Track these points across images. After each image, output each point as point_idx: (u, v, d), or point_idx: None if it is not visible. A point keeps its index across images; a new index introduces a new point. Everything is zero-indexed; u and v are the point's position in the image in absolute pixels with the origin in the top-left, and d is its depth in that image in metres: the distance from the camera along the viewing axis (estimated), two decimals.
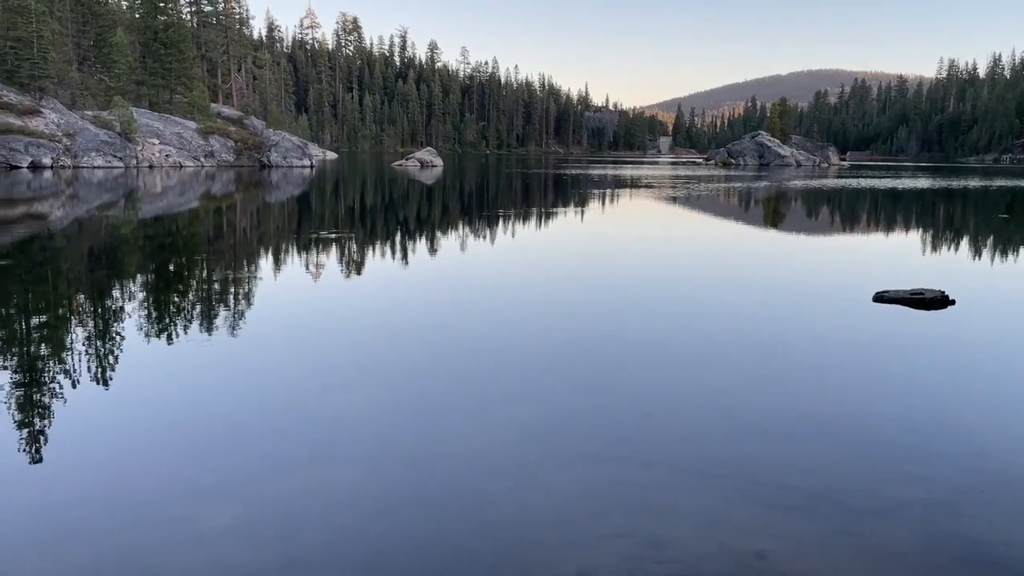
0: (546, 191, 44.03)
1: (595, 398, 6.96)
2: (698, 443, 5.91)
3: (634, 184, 50.86)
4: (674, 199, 37.43)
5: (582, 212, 29.82)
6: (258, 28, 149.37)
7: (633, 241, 20.62)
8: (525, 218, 25.95)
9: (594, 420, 6.37)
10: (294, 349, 8.54)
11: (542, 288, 13.09)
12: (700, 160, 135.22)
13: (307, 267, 14.87)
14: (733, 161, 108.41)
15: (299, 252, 17.03)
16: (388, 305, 11.36)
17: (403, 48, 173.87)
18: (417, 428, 6.11)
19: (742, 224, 27.08)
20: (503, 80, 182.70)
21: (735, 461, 5.55)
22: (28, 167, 43.99)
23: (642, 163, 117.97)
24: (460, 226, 23.55)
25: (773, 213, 31.99)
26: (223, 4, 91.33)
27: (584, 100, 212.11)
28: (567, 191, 43.87)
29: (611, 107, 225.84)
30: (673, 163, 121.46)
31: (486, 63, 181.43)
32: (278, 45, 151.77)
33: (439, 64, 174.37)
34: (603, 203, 34.81)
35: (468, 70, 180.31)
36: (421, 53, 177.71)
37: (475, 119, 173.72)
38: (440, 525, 4.53)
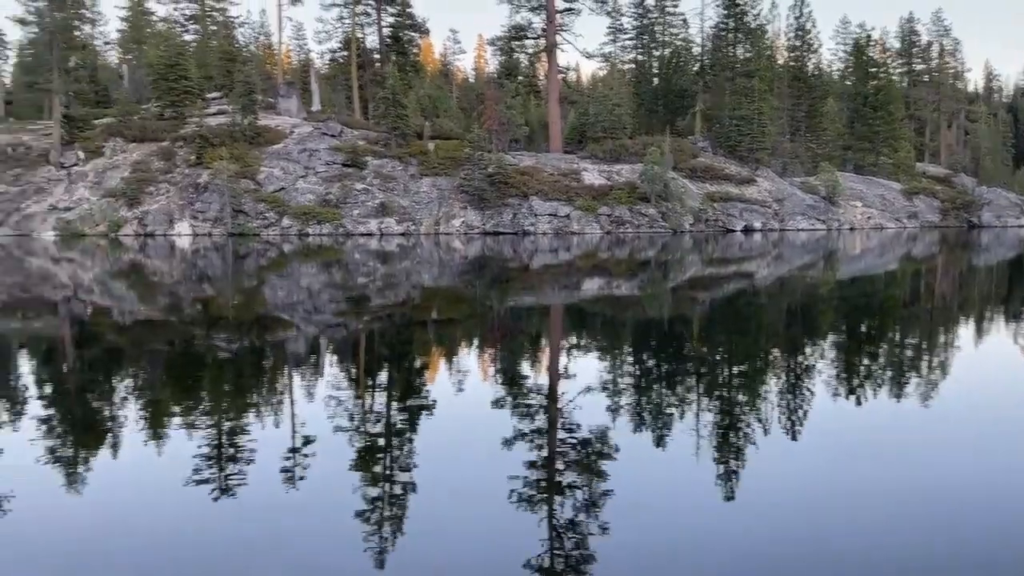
0: None
1: None
2: None
3: None
4: None
5: None
6: (974, 80, 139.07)
7: None
8: None
9: None
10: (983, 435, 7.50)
11: None
12: None
13: (1016, 339, 13.03)
14: None
15: (1007, 323, 15.03)
16: None
17: None
18: None
19: None
20: None
21: None
22: (741, 230, 49.10)
23: None
24: None
25: None
26: (936, 61, 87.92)
27: None
28: None
29: None
30: None
31: None
32: (996, 95, 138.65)
33: None
34: None
35: None
36: None
37: None
38: None
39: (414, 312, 16.54)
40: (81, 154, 46.70)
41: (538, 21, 60.24)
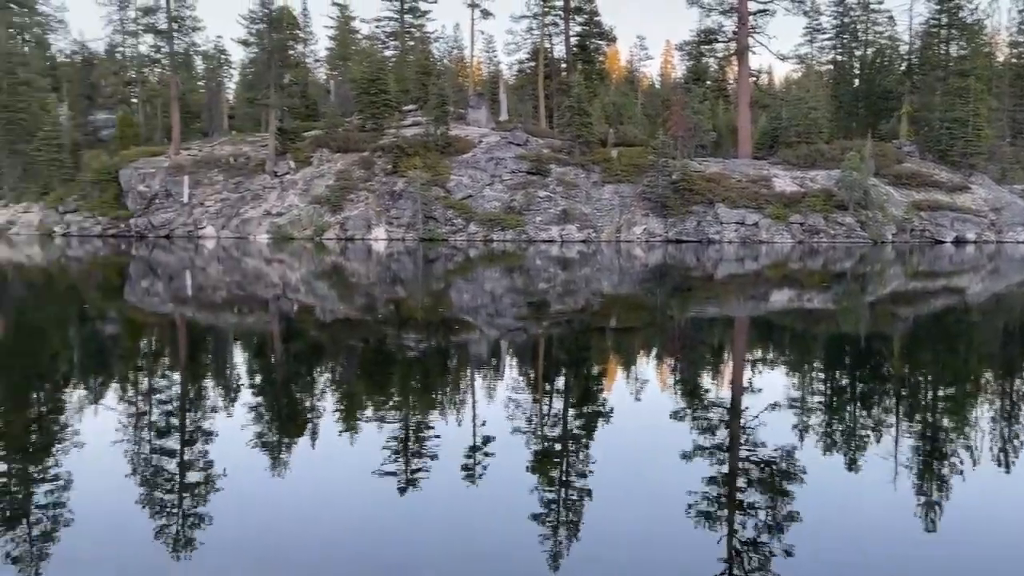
0: None
1: None
2: None
3: None
4: None
5: None
6: None
7: None
8: None
9: None
10: None
11: None
12: None
13: None
14: None
15: None
16: None
17: None
18: None
19: None
20: None
21: None
22: (951, 242, 45.20)
23: None
24: None
25: None
26: None
27: None
28: None
29: None
30: None
31: None
32: None
33: None
34: None
35: None
36: None
37: None
38: None
39: (593, 319, 16.56)
40: (292, 164, 50.72)
41: (729, 24, 58.54)
